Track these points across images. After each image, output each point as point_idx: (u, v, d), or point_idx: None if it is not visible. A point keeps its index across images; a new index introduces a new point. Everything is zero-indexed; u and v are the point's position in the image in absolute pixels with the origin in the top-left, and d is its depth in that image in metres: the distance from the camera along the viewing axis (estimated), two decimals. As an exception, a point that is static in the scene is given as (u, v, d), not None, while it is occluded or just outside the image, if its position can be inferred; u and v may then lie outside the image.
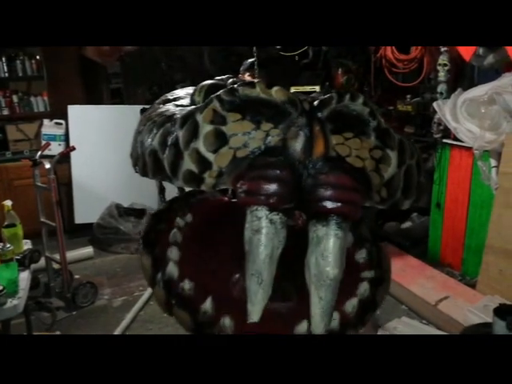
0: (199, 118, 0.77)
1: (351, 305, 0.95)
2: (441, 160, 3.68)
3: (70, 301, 3.23)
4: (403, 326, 2.90)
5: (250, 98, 0.75)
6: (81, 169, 4.66)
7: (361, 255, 1.01)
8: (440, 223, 3.75)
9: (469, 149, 3.32)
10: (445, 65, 3.50)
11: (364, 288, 0.97)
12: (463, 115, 3.29)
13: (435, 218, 3.81)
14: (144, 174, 0.91)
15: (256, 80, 0.78)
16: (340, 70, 4.74)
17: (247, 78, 3.30)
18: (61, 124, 4.81)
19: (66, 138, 4.77)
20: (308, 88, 4.61)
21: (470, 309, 2.75)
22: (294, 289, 0.89)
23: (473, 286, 3.26)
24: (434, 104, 3.48)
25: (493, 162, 3.18)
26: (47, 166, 3.20)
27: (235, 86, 0.78)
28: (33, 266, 2.60)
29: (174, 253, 0.99)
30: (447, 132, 3.53)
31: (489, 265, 3.13)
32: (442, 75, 3.53)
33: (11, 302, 2.01)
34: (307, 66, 4.70)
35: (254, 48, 2.69)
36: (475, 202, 3.42)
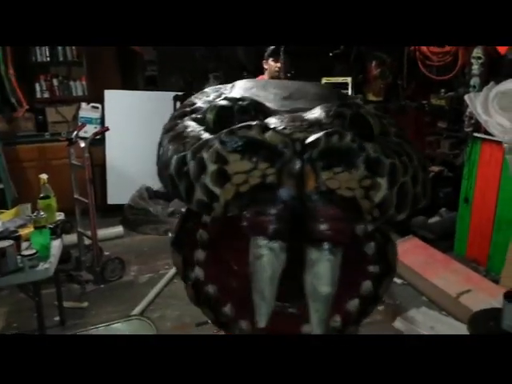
0: (205, 156, 0.85)
1: (354, 304, 1.02)
2: (471, 154, 3.62)
3: (99, 275, 3.38)
4: (422, 315, 2.91)
5: (248, 140, 0.83)
6: (114, 151, 4.82)
7: (369, 248, 1.04)
8: (467, 218, 3.70)
9: (499, 143, 3.26)
10: (479, 58, 3.44)
11: (367, 286, 1.04)
12: (495, 108, 3.23)
13: (463, 212, 3.76)
14: (166, 191, 1.02)
15: (253, 123, 0.84)
16: (374, 62, 4.70)
17: (271, 63, 3.35)
18: (97, 108, 4.98)
19: (102, 121, 4.94)
20: (340, 79, 4.61)
21: (491, 302, 2.72)
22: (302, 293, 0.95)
23: (497, 282, 3.21)
24: (466, 97, 3.42)
25: (523, 157, 3.12)
26: (82, 144, 3.35)
27: (234, 127, 0.85)
28: (65, 239, 2.75)
29: (199, 254, 1.07)
30: (478, 126, 3.48)
31: (513, 261, 3.09)
32: (475, 68, 3.47)
33: (43, 266, 2.16)
34: (339, 57, 4.68)
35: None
36: (504, 198, 3.36)
